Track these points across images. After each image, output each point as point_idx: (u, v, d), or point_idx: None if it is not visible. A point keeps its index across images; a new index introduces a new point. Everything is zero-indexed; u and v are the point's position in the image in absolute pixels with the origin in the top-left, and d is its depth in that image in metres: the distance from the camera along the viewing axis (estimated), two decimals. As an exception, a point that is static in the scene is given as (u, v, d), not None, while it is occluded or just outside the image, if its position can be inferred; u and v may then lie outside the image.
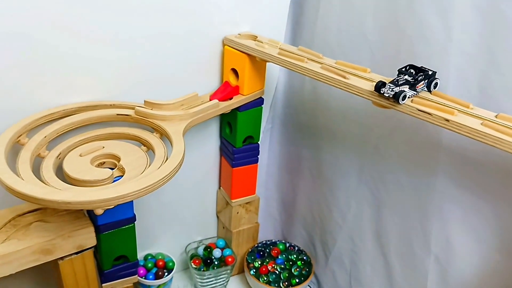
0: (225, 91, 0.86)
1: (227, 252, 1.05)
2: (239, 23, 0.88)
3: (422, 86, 0.62)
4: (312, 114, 0.96)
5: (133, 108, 0.79)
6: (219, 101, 0.84)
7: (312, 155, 1.00)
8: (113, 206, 0.62)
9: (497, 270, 0.68)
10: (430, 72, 0.62)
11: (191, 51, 0.85)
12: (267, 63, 0.87)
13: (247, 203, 1.03)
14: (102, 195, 0.60)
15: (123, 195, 0.60)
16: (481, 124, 0.55)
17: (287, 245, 1.11)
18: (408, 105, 0.60)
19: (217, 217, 1.11)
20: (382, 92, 0.61)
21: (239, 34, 0.87)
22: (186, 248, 1.07)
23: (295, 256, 1.08)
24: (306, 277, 1.03)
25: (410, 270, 0.82)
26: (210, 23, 0.84)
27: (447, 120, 0.57)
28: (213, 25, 0.85)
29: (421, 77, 0.61)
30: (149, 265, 0.99)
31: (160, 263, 1.00)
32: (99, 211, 0.61)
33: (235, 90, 0.87)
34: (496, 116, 0.57)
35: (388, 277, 0.86)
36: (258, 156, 0.99)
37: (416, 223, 0.78)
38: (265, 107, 1.01)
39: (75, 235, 0.72)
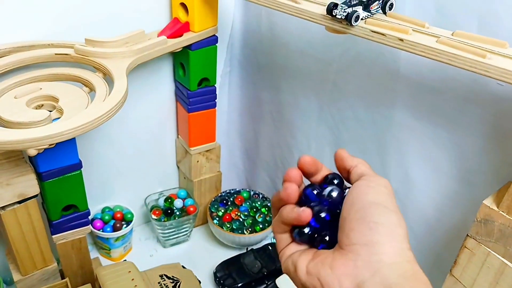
0: (174, 28, 0.80)
1: (188, 202, 1.02)
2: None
3: (376, 7, 0.58)
4: (270, 53, 0.92)
5: (72, 47, 0.73)
6: (168, 38, 0.79)
7: (272, 98, 0.96)
8: (47, 146, 0.57)
9: (456, 200, 0.67)
10: (384, -8, 0.58)
11: (136, -15, 0.79)
12: (218, -3, 0.81)
13: (207, 151, 1.00)
14: (33, 134, 0.55)
15: (56, 134, 0.55)
16: (436, 41, 0.52)
17: (251, 193, 1.09)
18: (361, 27, 0.57)
19: (178, 167, 1.07)
20: (334, 14, 0.57)
21: (186, -36, 0.80)
22: (145, 200, 1.03)
23: (259, 203, 1.05)
24: (270, 223, 1.01)
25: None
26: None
27: (401, 40, 0.53)
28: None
29: (375, -3, 0.57)
30: (106, 217, 0.95)
31: (118, 215, 0.96)
32: (31, 152, 0.56)
33: (185, 27, 0.81)
34: (452, 34, 0.54)
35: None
36: (216, 101, 0.94)
37: (376, 158, 0.76)
38: (222, 48, 0.96)
39: (14, 182, 0.67)
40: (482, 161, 0.62)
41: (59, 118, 0.63)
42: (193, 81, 0.88)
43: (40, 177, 0.70)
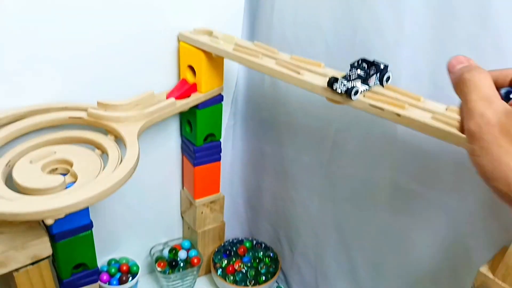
0: (182, 89, 0.84)
1: (192, 253, 1.04)
2: (194, 18, 0.86)
3: (374, 80, 0.62)
4: (273, 110, 0.96)
5: (86, 110, 0.77)
6: (176, 99, 0.83)
7: (275, 151, 0.99)
8: (63, 216, 0.59)
9: (454, 263, 0.69)
10: (382, 66, 0.62)
11: (146, 48, 0.83)
12: (224, 58, 0.85)
13: (211, 202, 1.02)
14: (51, 205, 0.57)
15: (73, 204, 0.58)
16: (431, 118, 0.55)
17: (254, 242, 1.11)
18: (361, 101, 0.60)
19: (182, 217, 1.09)
20: (334, 88, 0.60)
21: (194, 29, 0.85)
22: (150, 250, 1.05)
23: (261, 253, 1.07)
24: (273, 274, 1.02)
25: (371, 262, 0.83)
26: (164, 19, 0.82)
27: (398, 115, 0.57)
28: (167, 20, 0.83)
29: (373, 71, 0.61)
30: (113, 270, 0.96)
31: (124, 267, 0.98)
32: (49, 221, 0.59)
33: (193, 88, 0.85)
34: (446, 109, 0.57)
35: (352, 270, 0.87)
36: (221, 154, 0.98)
37: (376, 216, 0.79)
38: (226, 103, 1.00)
39: (29, 246, 0.69)
40: (478, 226, 0.65)
41: (73, 182, 0.66)
42: (199, 137, 0.91)
43: (53, 238, 0.72)
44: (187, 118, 0.92)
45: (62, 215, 0.58)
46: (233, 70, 0.98)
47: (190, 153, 0.95)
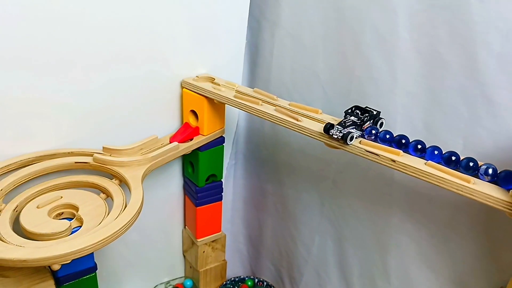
0: (185, 133, 0.87)
1: (195, 292, 1.04)
2: (197, 66, 0.89)
3: (368, 126, 0.65)
4: (272, 150, 0.98)
5: (91, 155, 0.79)
6: (179, 142, 0.85)
7: (276, 190, 1.01)
8: (70, 261, 0.61)
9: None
10: (374, 112, 0.65)
11: (150, 95, 0.86)
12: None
13: (213, 241, 1.03)
14: (58, 250, 0.59)
15: (79, 250, 0.59)
16: (425, 164, 0.58)
17: (256, 280, 1.11)
18: (357, 146, 0.63)
19: (184, 256, 1.10)
20: (331, 134, 0.63)
21: (197, 76, 0.88)
22: (153, 290, 1.06)
23: (264, 291, 1.08)
24: (275, 313, 1.03)
25: (373, 302, 0.83)
26: (167, 67, 0.86)
27: (393, 161, 0.59)
28: (170, 68, 0.86)
29: (366, 118, 0.64)
30: (115, 311, 0.97)
31: (127, 308, 0.98)
32: (56, 267, 0.60)
33: (196, 131, 0.88)
34: (439, 155, 0.59)
35: (354, 310, 0.88)
36: (222, 194, 0.99)
37: (376, 256, 0.80)
38: (228, 143, 1.02)
39: (34, 289, 0.70)
40: (475, 266, 0.66)
41: (79, 227, 0.68)
42: (201, 178, 0.93)
43: (58, 281, 0.73)
44: (189, 160, 0.94)
45: (68, 261, 0.60)
46: (234, 111, 1.01)
47: (192, 194, 0.97)
